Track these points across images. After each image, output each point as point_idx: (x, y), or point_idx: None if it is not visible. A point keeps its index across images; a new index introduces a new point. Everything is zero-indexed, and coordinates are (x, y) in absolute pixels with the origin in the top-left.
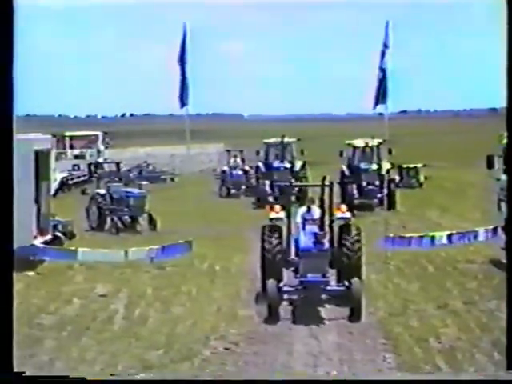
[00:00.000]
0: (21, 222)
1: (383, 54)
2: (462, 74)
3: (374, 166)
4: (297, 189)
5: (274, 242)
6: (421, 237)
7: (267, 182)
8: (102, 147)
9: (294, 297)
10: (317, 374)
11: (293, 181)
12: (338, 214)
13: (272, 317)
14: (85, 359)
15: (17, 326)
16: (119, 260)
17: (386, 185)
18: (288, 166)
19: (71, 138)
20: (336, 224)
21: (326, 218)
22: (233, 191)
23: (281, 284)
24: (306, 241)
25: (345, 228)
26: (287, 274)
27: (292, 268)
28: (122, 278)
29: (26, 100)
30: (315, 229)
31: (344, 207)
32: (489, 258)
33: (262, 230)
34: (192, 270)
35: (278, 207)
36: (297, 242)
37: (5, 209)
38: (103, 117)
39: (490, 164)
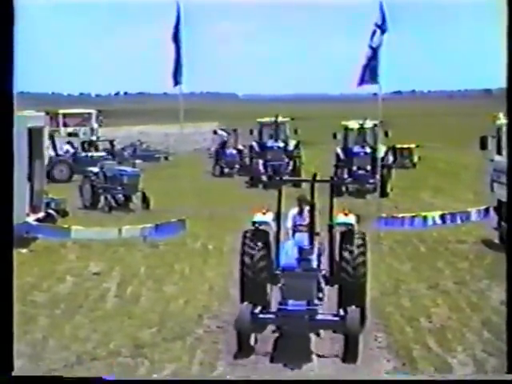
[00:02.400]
0: (14, 199)
1: (373, 33)
2: (457, 54)
3: (367, 150)
4: (290, 168)
5: (257, 252)
6: (413, 217)
7: (261, 161)
8: (95, 125)
9: (273, 326)
10: (317, 374)
11: (286, 160)
12: (339, 218)
13: (241, 350)
14: (78, 337)
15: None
16: (112, 238)
17: (379, 170)
18: (282, 145)
19: (64, 115)
20: (336, 230)
21: (318, 225)
22: (226, 170)
23: (257, 310)
24: (287, 256)
25: (346, 236)
26: (276, 294)
27: (280, 285)
28: (115, 257)
29: (20, 78)
30: (306, 238)
31: (347, 210)
32: (480, 238)
33: (243, 236)
34: (185, 249)
35: (264, 207)
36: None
37: (4, 187)
38: (97, 95)
39: (483, 145)
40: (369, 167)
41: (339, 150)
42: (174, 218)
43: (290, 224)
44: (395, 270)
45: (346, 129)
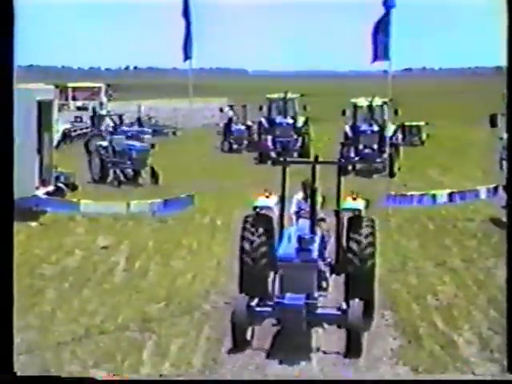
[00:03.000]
0: (23, 172)
1: (384, 9)
2: (468, 31)
3: (375, 128)
4: (299, 145)
5: (258, 239)
6: (422, 195)
7: (269, 138)
8: (104, 99)
9: (272, 320)
10: (317, 372)
11: (295, 136)
12: (346, 203)
13: (236, 345)
14: (86, 310)
15: (19, 275)
16: (121, 212)
17: (387, 148)
18: (291, 121)
19: (74, 89)
20: (344, 216)
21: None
22: (235, 146)
23: (254, 302)
24: (285, 246)
25: (353, 222)
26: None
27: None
28: (124, 231)
29: (30, 50)
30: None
31: (355, 194)
32: (489, 216)
33: (243, 222)
34: (193, 224)
35: (268, 191)
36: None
37: (5, 160)
38: (107, 69)
39: (493, 123)
40: (376, 146)
41: (347, 128)
42: (183, 193)
43: (294, 208)
44: (403, 248)
45: (355, 106)
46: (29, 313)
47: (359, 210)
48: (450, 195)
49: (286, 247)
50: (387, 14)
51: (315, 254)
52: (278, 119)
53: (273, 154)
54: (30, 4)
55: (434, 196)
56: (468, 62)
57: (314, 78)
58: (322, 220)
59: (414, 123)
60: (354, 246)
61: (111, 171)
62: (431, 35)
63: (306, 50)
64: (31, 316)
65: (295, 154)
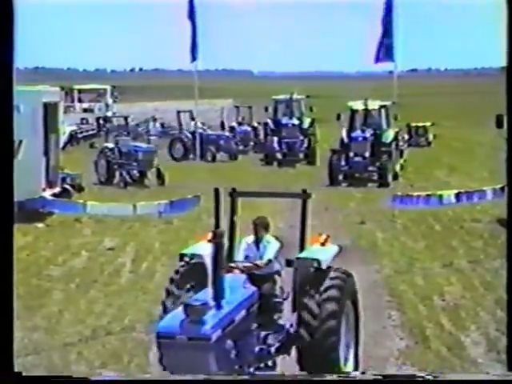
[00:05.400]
0: (30, 173)
1: (385, 10)
2: (473, 32)
3: (367, 134)
4: (305, 146)
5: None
6: (428, 196)
7: (275, 139)
8: (110, 101)
9: None
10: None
11: (301, 138)
12: (304, 252)
13: None
14: (93, 311)
15: (26, 277)
16: (127, 214)
17: (382, 156)
18: (296, 122)
19: (80, 91)
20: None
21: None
22: (241, 147)
23: None
24: (171, 316)
25: (310, 278)
26: None
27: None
28: (130, 232)
29: (35, 52)
30: (237, 280)
31: (323, 238)
32: (495, 217)
33: (169, 281)
34: (199, 225)
35: (211, 233)
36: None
37: (5, 163)
38: (112, 71)
39: (499, 123)
40: (367, 154)
41: (344, 134)
42: (189, 194)
43: (240, 257)
44: (409, 249)
45: (352, 110)
46: (36, 314)
47: (318, 261)
48: (457, 196)
49: (171, 318)
50: (388, 15)
51: (208, 327)
52: (284, 120)
53: (279, 155)
54: (35, 7)
55: (440, 197)
56: (474, 62)
57: (320, 79)
58: (277, 273)
59: (420, 124)
60: (309, 302)
61: (117, 173)
62: (437, 36)
63: (311, 50)
64: (38, 317)
65: (301, 156)
